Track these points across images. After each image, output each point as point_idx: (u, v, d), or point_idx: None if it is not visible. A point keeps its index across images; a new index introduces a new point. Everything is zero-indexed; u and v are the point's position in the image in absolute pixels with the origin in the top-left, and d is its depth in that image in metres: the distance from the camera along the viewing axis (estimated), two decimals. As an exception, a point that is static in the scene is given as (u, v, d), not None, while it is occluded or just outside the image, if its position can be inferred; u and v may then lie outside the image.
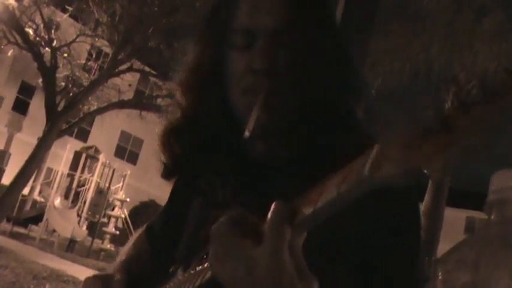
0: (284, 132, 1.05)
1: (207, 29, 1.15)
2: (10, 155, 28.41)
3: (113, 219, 18.30)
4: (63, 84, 20.33)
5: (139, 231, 1.42)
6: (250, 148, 1.08)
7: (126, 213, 19.37)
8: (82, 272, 11.44)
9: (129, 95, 23.62)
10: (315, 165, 0.94)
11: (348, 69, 1.10)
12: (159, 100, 19.24)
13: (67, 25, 21.07)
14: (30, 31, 18.66)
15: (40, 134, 18.13)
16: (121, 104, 19.91)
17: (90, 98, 20.13)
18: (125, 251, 1.40)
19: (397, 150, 0.59)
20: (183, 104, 1.17)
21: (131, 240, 1.43)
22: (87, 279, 1.26)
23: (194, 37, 1.18)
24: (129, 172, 20.46)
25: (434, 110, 0.56)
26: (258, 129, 1.01)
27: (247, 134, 0.98)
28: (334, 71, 1.06)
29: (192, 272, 0.92)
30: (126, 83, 21.71)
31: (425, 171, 0.59)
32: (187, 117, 1.16)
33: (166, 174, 1.21)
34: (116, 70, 19.09)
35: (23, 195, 19.51)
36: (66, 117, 18.74)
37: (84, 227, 18.37)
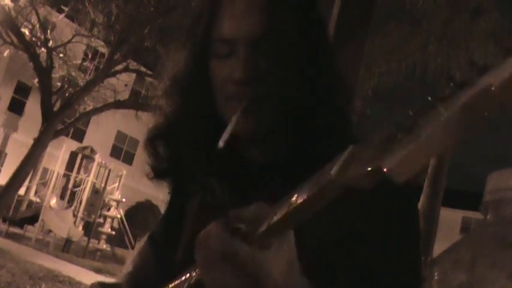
0: (271, 137, 1.07)
1: (189, 38, 1.14)
2: (6, 155, 28.41)
3: (108, 220, 18.27)
4: (59, 84, 20.31)
5: (143, 240, 1.42)
6: (241, 152, 1.09)
7: (122, 213, 19.35)
8: (78, 272, 11.43)
9: (125, 95, 23.60)
10: (307, 166, 0.94)
11: (332, 73, 1.10)
12: (155, 100, 19.14)
13: (63, 25, 21.06)
14: (26, 31, 18.64)
15: (36, 134, 18.11)
16: (117, 104, 19.90)
17: (86, 98, 20.11)
18: (130, 260, 1.40)
19: (367, 151, 0.60)
20: (168, 110, 1.17)
21: (136, 249, 1.43)
22: (93, 285, 1.26)
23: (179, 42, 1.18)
24: (125, 172, 20.42)
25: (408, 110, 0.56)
26: (244, 135, 1.03)
27: (221, 144, 0.98)
28: (316, 76, 1.06)
29: (179, 279, 0.94)
30: (122, 83, 21.68)
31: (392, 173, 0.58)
32: (173, 123, 1.16)
33: (154, 177, 1.21)
34: (112, 70, 19.09)
35: (18, 196, 19.47)
36: (62, 117, 18.73)
37: (80, 227, 18.33)
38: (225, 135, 0.99)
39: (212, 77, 1.08)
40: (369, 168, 0.59)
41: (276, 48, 1.04)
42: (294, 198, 0.72)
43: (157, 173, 1.20)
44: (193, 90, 1.11)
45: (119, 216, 18.69)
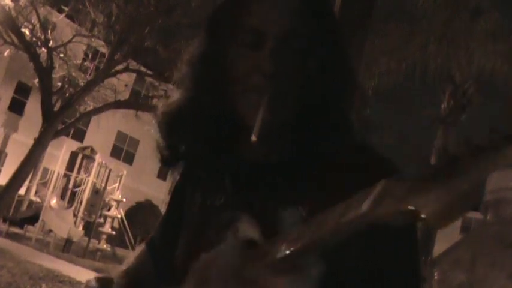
0: (283, 134, 1.05)
1: (215, 24, 1.13)
2: (6, 155, 28.39)
3: (109, 220, 18.26)
4: (59, 84, 20.28)
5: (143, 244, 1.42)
6: (249, 149, 1.07)
7: (122, 213, 19.34)
8: (78, 272, 11.43)
9: (125, 95, 23.57)
10: (309, 166, 0.94)
11: (349, 75, 1.11)
12: (155, 100, 19.19)
13: (63, 25, 21.04)
14: (27, 31, 18.62)
15: (36, 134, 18.10)
16: (117, 104, 19.87)
17: (86, 98, 20.08)
18: (128, 261, 1.39)
19: (401, 189, 0.59)
20: (183, 94, 1.15)
21: (136, 251, 1.43)
22: (89, 281, 1.26)
23: (190, 37, 1.16)
24: (125, 172, 20.40)
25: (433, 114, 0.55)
26: (260, 131, 1.01)
27: (254, 138, 0.97)
28: (336, 77, 1.06)
29: None
30: (122, 83, 21.66)
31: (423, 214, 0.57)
32: (186, 109, 1.13)
33: (166, 163, 1.19)
34: (112, 70, 19.06)
35: (19, 196, 19.46)
36: (63, 117, 18.72)
37: (80, 227, 18.31)
38: (257, 129, 0.98)
39: (232, 66, 1.07)
40: (405, 208, 0.58)
41: (301, 46, 1.04)
42: (314, 226, 0.71)
43: (169, 159, 1.19)
44: (207, 78, 1.10)
45: (119, 216, 18.68)
